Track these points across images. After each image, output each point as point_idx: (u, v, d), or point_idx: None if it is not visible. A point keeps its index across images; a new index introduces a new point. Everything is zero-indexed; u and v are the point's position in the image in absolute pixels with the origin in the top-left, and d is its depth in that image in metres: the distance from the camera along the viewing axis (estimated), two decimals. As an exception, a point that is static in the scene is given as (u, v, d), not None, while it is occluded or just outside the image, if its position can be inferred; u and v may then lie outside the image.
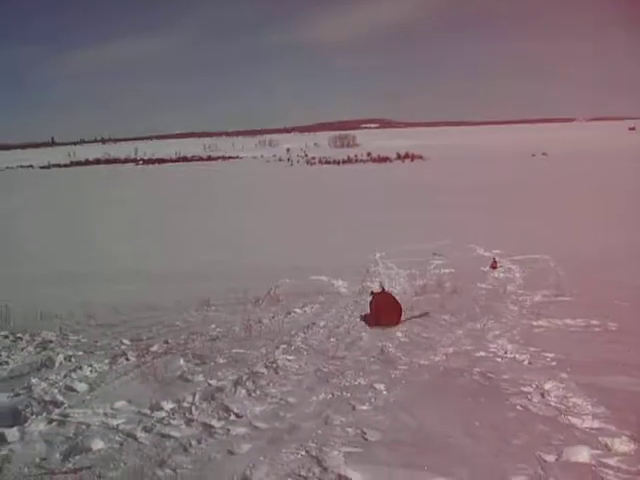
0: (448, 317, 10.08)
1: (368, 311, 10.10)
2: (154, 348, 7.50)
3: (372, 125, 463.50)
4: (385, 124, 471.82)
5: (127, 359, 6.90)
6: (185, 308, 12.10)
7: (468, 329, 8.99)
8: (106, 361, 6.74)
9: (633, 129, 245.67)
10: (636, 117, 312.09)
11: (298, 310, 11.14)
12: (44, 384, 5.91)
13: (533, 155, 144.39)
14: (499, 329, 8.90)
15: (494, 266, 21.93)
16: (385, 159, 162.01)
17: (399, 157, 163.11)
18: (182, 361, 6.73)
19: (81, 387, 5.86)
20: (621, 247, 25.36)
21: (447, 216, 44.75)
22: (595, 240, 28.53)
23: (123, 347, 7.68)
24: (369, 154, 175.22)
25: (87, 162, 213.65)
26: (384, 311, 9.57)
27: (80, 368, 6.45)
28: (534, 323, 9.37)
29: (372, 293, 10.41)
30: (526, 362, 6.87)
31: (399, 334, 8.64)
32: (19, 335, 8.42)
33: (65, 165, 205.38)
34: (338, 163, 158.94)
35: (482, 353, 7.36)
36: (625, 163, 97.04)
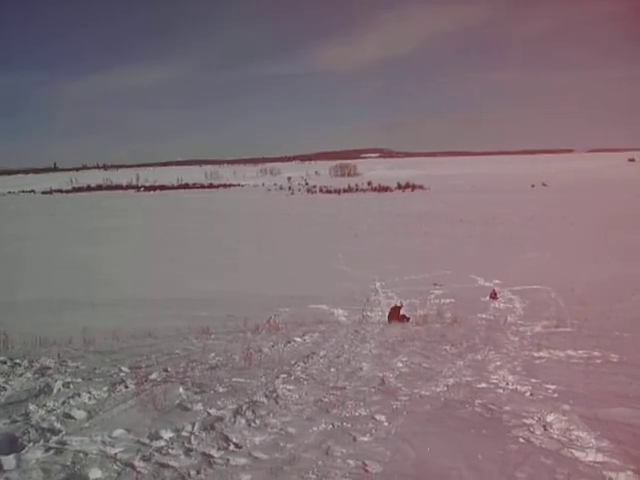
0: (449, 347, 10.01)
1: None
2: (153, 376, 7.43)
3: (373, 155, 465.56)
4: (386, 154, 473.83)
5: (126, 387, 6.83)
6: (185, 336, 12.03)
7: (469, 360, 8.93)
8: (105, 388, 6.68)
9: (633, 160, 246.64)
10: (635, 148, 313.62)
11: (298, 339, 11.06)
12: (42, 411, 5.85)
13: (533, 186, 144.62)
14: (500, 360, 8.84)
15: (494, 296, 21.93)
16: (385, 189, 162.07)
17: (399, 187, 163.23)
18: (181, 389, 6.67)
19: (79, 415, 5.80)
20: (621, 278, 25.37)
21: (447, 246, 44.84)
22: (595, 271, 28.56)
23: (122, 374, 7.61)
24: (369, 183, 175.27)
25: (89, 188, 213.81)
26: (395, 315, 15.23)
27: (78, 395, 6.39)
28: (535, 354, 9.31)
29: (395, 306, 15.93)
30: (528, 394, 6.80)
31: (399, 364, 8.58)
32: (17, 361, 8.35)
33: (67, 191, 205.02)
34: (339, 192, 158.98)
35: (483, 384, 7.29)
36: (625, 194, 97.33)
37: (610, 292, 21.80)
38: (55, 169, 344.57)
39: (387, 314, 15.94)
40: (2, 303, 21.10)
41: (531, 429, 5.47)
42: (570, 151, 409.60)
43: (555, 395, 6.67)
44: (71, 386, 6.82)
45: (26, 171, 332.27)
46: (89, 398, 6.32)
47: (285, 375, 7.63)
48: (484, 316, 17.10)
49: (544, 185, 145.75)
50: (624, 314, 15.87)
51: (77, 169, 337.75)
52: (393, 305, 15.99)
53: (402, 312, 15.54)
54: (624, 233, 47.73)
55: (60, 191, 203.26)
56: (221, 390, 6.78)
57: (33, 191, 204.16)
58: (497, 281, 26.23)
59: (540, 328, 13.14)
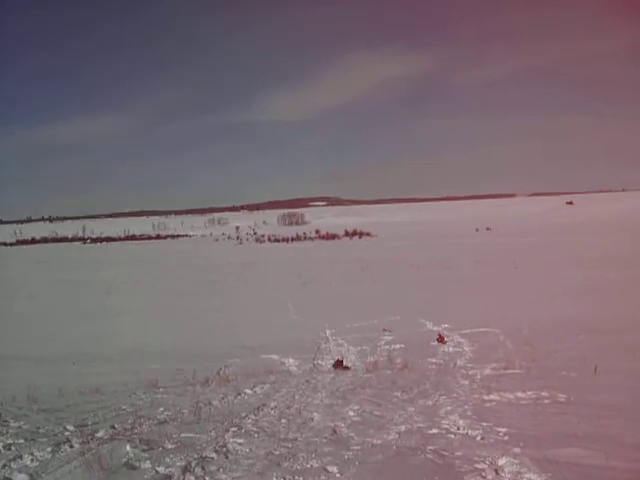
0: (400, 394, 10.01)
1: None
2: (100, 434, 7.23)
3: (320, 203, 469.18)
4: (333, 202, 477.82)
5: (71, 446, 6.63)
6: (133, 390, 11.80)
7: (420, 406, 8.94)
8: (48, 449, 6.47)
9: (571, 203, 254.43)
10: (573, 192, 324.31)
11: (248, 391, 10.93)
12: (-19, 476, 5.65)
13: (477, 230, 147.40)
14: (451, 405, 8.87)
15: (441, 340, 22.04)
16: (333, 236, 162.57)
17: (347, 234, 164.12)
18: (129, 447, 6.51)
19: (21, 478, 5.60)
20: (566, 319, 25.89)
21: (396, 291, 45.17)
22: (541, 312, 29.07)
23: (67, 433, 7.39)
24: (317, 231, 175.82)
25: (34, 241, 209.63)
26: (339, 367, 16.50)
27: (20, 457, 6.17)
28: (485, 397, 9.37)
29: (337, 360, 17.76)
30: (479, 438, 6.83)
31: (351, 413, 8.54)
32: (-44, 423, 8.06)
33: (11, 244, 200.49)
34: (287, 241, 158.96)
35: (435, 430, 7.29)
36: (566, 237, 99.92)
37: (556, 332, 22.16)
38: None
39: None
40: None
41: (483, 474, 5.48)
42: (512, 195, 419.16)
43: (506, 438, 6.71)
44: (12, 448, 6.60)
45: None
46: (31, 460, 6.12)
47: (235, 428, 7.52)
48: (434, 360, 17.17)
49: (488, 229, 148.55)
50: (570, 354, 16.14)
51: (22, 222, 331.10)
52: (336, 360, 18.16)
53: (345, 363, 17.29)
54: (567, 274, 48.87)
55: (4, 244, 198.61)
56: (170, 446, 6.64)
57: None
58: (446, 325, 26.43)
59: (489, 371, 13.26)
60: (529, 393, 9.48)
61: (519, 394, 9.45)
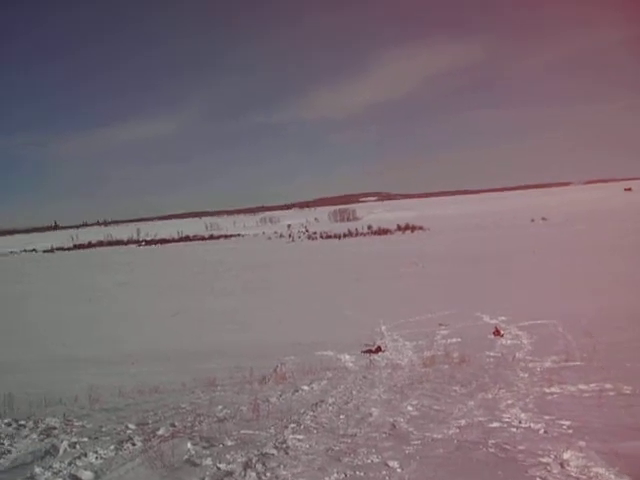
0: (458, 388, 9.91)
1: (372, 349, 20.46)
2: (160, 432, 7.34)
3: (371, 198, 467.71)
4: (384, 197, 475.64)
5: (133, 444, 6.74)
6: (191, 389, 11.94)
7: (480, 399, 8.82)
8: (112, 447, 6.59)
9: (629, 189, 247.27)
10: (631, 178, 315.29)
11: (305, 387, 10.96)
12: (48, 473, 5.78)
13: (532, 220, 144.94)
14: (511, 398, 8.73)
15: (497, 334, 21.72)
16: (386, 231, 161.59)
17: (399, 228, 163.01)
18: (189, 444, 6.58)
19: (86, 475, 5.72)
20: (626, 308, 25.23)
21: (450, 285, 44.73)
22: (600, 302, 28.42)
23: (129, 432, 7.52)
24: (369, 227, 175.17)
25: (90, 244, 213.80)
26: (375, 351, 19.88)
27: (85, 455, 6.30)
28: (547, 390, 9.21)
29: (378, 346, 20.86)
30: (542, 431, 6.70)
31: (410, 408, 8.47)
32: (22, 422, 8.26)
33: (68, 248, 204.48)
34: (339, 237, 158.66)
35: (496, 424, 7.19)
36: (624, 224, 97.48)
37: (616, 323, 21.64)
38: (56, 227, 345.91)
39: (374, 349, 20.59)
40: (6, 363, 20.99)
41: (548, 468, 5.37)
42: (567, 184, 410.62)
43: (570, 431, 6.56)
44: (77, 446, 6.73)
45: (28, 230, 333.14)
46: (96, 458, 6.24)
47: (294, 425, 7.54)
48: (492, 354, 16.95)
49: (544, 219, 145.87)
50: (632, 344, 15.73)
51: (77, 226, 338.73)
52: (378, 345, 21.25)
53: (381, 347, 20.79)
54: (627, 263, 47.67)
55: (62, 249, 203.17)
56: (230, 443, 6.68)
57: (35, 250, 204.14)
58: (503, 317, 26.05)
59: (549, 363, 13.03)
60: (592, 385, 9.27)
61: (582, 386, 9.25)
